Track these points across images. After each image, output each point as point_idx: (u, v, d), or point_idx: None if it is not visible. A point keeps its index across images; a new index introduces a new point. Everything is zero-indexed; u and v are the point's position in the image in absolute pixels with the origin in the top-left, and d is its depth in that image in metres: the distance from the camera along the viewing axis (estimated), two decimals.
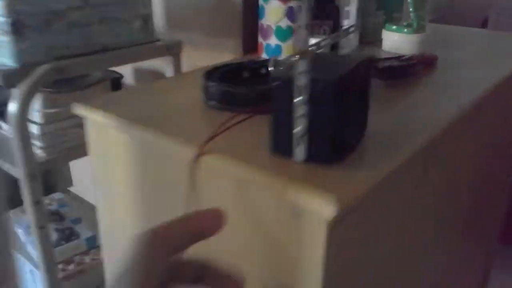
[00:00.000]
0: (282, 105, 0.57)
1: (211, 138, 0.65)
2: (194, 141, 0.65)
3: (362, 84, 0.68)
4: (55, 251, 1.33)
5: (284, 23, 1.22)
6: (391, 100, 0.87)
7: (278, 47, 1.24)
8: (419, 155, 0.71)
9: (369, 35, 1.37)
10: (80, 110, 0.80)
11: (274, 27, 1.22)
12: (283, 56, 1.18)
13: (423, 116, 0.78)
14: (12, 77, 0.99)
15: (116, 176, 0.81)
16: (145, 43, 1.25)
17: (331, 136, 0.58)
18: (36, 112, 1.15)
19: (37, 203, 1.09)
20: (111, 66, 1.20)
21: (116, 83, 1.36)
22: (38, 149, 1.15)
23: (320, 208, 0.51)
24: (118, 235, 0.88)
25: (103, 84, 1.28)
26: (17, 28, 0.98)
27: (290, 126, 0.57)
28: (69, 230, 1.43)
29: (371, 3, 1.36)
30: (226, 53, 1.34)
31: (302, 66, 0.55)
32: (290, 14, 1.22)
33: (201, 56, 1.38)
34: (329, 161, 0.59)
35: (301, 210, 0.55)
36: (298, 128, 0.57)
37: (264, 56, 1.26)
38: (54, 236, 1.41)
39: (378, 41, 1.34)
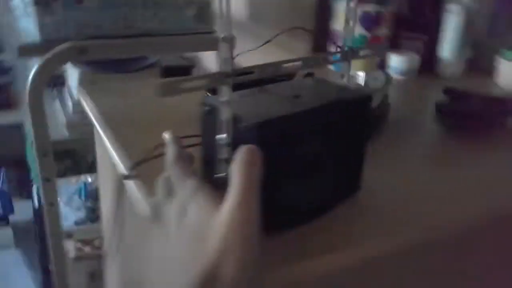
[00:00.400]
0: (208, 137, 0.44)
1: (140, 162, 0.55)
2: None
3: (342, 132, 0.46)
4: (74, 228, 1.28)
5: (356, 30, 0.97)
6: (439, 158, 0.60)
7: None
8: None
9: (480, 62, 1.04)
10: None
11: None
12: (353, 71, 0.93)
13: (465, 196, 0.51)
14: (28, 51, 0.93)
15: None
16: (197, 33, 1.10)
17: None
18: (73, 88, 1.09)
19: (47, 180, 1.03)
20: (148, 52, 1.08)
21: (178, 71, 1.25)
22: (64, 127, 1.09)
23: None
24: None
25: (151, 71, 1.17)
26: (39, 0, 0.91)
27: (214, 161, 0.42)
28: (99, 211, 1.37)
29: (483, 19, 1.02)
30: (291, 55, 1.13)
31: (225, 94, 0.39)
32: (366, 20, 0.96)
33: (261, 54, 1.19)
34: None
35: None
36: (221, 174, 0.41)
37: (331, 67, 1.03)
38: (81, 213, 1.37)
39: (492, 71, 1.01)
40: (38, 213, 1.54)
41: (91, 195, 1.37)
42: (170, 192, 0.40)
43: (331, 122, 0.46)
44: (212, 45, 1.11)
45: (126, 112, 0.75)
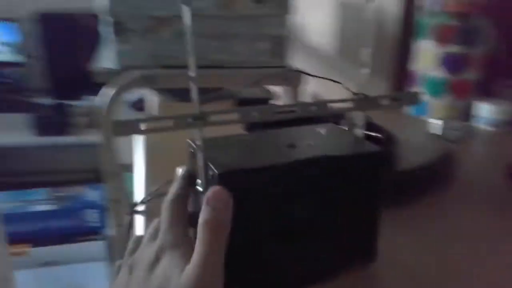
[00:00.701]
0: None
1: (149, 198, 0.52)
2: None
3: (342, 192, 0.41)
4: None
5: (438, 72, 0.86)
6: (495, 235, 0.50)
7: (425, 104, 0.89)
8: None
9: None
10: None
11: (424, 76, 0.88)
12: (430, 119, 0.84)
13: None
14: (105, 77, 0.97)
15: None
16: (269, 67, 1.08)
17: None
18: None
19: (116, 202, 1.07)
20: (218, 84, 1.08)
21: (254, 102, 1.23)
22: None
23: None
24: None
25: (224, 103, 1.17)
26: (119, 30, 0.95)
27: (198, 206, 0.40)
28: None
29: None
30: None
31: (197, 138, 0.39)
32: (449, 62, 0.85)
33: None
34: None
35: None
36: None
37: (408, 111, 0.94)
38: None
39: None
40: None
41: None
42: (155, 235, 0.38)
43: (323, 180, 0.40)
44: (282, 80, 1.08)
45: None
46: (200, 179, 0.38)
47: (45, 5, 2.42)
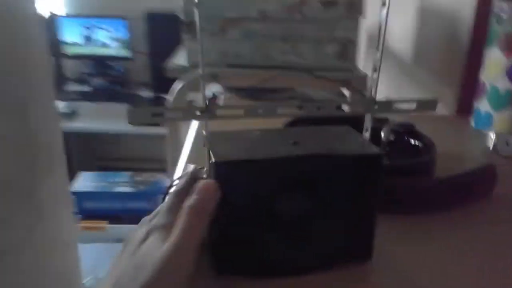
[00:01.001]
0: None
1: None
2: None
3: (336, 189, 0.42)
4: None
5: (503, 84, 0.80)
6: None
7: (488, 117, 0.83)
8: None
9: None
10: None
11: (489, 87, 0.82)
12: (490, 132, 0.78)
13: None
14: (175, 73, 1.05)
15: None
16: (336, 70, 1.08)
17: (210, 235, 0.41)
18: None
19: None
20: (281, 85, 1.10)
21: None
22: None
23: None
24: None
25: (287, 103, 1.19)
26: (190, 29, 1.02)
27: None
28: None
29: None
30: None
31: (204, 128, 0.42)
32: None
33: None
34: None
35: None
36: None
37: (471, 123, 0.89)
38: None
39: None
40: None
41: None
42: (153, 217, 0.42)
43: (316, 177, 0.41)
44: (347, 83, 1.07)
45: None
46: (206, 167, 0.41)
47: (153, 5, 2.62)
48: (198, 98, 0.44)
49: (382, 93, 0.45)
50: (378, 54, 0.44)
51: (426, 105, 0.46)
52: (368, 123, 0.46)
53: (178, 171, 0.66)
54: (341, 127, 0.51)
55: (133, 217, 1.89)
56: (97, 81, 2.89)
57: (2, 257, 0.75)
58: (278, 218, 0.41)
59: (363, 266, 0.45)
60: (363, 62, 1.55)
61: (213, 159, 0.40)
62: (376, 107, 0.45)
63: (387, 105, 0.46)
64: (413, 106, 0.46)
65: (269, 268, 0.43)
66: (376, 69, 0.43)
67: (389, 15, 0.42)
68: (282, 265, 0.44)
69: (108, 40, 2.81)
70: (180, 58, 1.11)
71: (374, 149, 0.43)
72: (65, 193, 0.93)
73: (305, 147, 0.43)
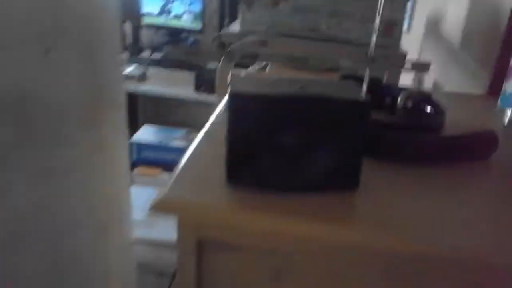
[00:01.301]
0: None
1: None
2: None
3: (327, 126, 0.52)
4: None
5: None
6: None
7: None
8: None
9: None
10: None
11: None
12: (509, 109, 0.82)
13: None
14: (227, 38, 1.16)
15: None
16: (380, 46, 1.14)
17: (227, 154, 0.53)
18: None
19: None
20: (324, 56, 1.18)
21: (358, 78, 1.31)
22: None
23: None
24: None
25: (330, 75, 1.27)
26: (247, 1, 1.12)
27: None
28: None
29: None
30: (467, 87, 1.05)
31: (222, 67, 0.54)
32: None
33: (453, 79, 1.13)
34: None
35: None
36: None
37: (498, 103, 0.93)
38: None
39: None
40: None
41: None
42: None
43: (312, 113, 0.50)
44: (388, 60, 1.13)
45: None
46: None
47: None
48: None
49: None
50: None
51: (419, 67, 0.54)
52: (366, 76, 0.55)
53: None
54: (347, 81, 0.60)
55: None
56: (168, 50, 3.08)
57: (68, 173, 0.91)
58: (279, 144, 0.51)
59: (352, 194, 0.53)
60: (420, 45, 1.58)
61: (229, 91, 0.51)
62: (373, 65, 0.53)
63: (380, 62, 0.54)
64: (409, 66, 0.54)
65: (268, 183, 0.53)
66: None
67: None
68: (280, 182, 0.53)
69: (182, 12, 2.98)
70: (235, 27, 1.22)
71: (362, 97, 0.52)
72: (123, 134, 1.08)
73: (308, 91, 0.53)
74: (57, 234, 0.97)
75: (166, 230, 1.60)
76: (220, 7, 2.86)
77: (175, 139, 2.19)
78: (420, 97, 0.77)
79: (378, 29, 1.14)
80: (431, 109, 0.74)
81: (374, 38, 1.07)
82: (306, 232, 0.50)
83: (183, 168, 0.59)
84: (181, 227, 0.54)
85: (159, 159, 2.13)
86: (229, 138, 0.51)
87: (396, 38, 1.14)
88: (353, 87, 0.56)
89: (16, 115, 0.84)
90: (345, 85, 0.58)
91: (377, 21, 1.07)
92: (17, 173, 0.88)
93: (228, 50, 1.12)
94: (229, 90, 0.51)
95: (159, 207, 0.52)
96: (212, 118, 0.73)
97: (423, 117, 0.74)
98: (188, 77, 2.72)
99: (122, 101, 1.03)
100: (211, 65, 2.96)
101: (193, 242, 0.54)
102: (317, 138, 0.52)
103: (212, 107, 2.57)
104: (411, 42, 1.53)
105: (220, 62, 1.14)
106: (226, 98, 0.51)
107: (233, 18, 2.78)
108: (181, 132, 2.27)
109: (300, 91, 0.52)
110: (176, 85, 2.73)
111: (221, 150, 0.53)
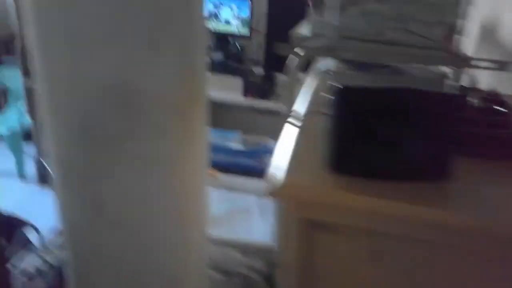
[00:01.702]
0: None
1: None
2: None
3: (425, 119, 0.58)
4: None
5: None
6: None
7: None
8: None
9: None
10: None
11: None
12: None
13: None
14: (298, 42, 1.25)
15: None
16: (440, 50, 1.20)
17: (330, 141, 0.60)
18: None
19: None
20: (389, 59, 1.25)
21: None
22: None
23: None
24: None
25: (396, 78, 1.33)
26: (317, 4, 1.21)
27: None
28: None
29: None
30: None
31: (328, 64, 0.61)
32: None
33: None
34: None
35: None
36: None
37: None
38: None
39: None
40: None
41: None
42: None
43: (412, 105, 0.58)
44: (449, 63, 1.19)
45: None
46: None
47: None
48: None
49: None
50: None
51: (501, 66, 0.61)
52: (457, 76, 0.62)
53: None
54: (437, 77, 0.67)
55: (241, 171, 2.19)
56: (217, 55, 3.20)
57: (164, 164, 1.01)
58: (381, 134, 0.59)
59: (444, 183, 0.60)
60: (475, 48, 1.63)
61: (337, 86, 0.59)
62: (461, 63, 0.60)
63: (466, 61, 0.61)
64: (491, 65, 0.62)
65: (368, 170, 0.61)
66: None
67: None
68: (380, 169, 0.61)
69: (231, 18, 3.10)
70: (303, 29, 1.31)
71: (452, 93, 0.60)
72: (206, 130, 1.17)
73: (407, 85, 0.60)
74: (147, 221, 1.06)
75: (230, 230, 1.68)
76: (269, 14, 2.96)
77: (230, 141, 2.27)
78: (493, 97, 0.83)
79: (441, 33, 1.20)
80: (503, 108, 0.81)
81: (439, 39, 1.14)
82: (404, 213, 0.57)
83: (286, 158, 0.67)
84: (286, 210, 0.61)
85: (217, 161, 2.20)
86: (335, 129, 0.59)
87: (457, 42, 1.20)
88: (443, 84, 0.64)
89: (127, 109, 0.95)
90: (436, 81, 0.66)
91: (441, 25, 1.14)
92: (123, 162, 0.99)
93: (299, 54, 1.20)
94: (335, 84, 0.59)
95: (277, 194, 0.60)
96: (298, 114, 0.81)
97: (497, 115, 0.80)
98: (236, 82, 2.82)
99: (206, 98, 1.12)
100: (258, 70, 3.07)
101: (298, 224, 0.62)
102: (414, 129, 0.59)
103: (259, 111, 2.67)
104: (465, 46, 1.58)
105: (291, 65, 1.23)
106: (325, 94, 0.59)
107: (283, 25, 2.86)
108: (235, 135, 2.35)
109: (401, 85, 0.60)
110: (224, 90, 2.84)
111: (315, 141, 0.61)
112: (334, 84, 0.60)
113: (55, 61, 0.94)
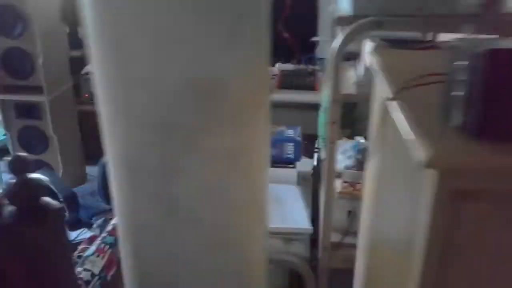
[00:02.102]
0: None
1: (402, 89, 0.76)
2: None
3: None
4: (344, 171, 1.56)
5: None
6: None
7: None
8: None
9: None
10: None
11: None
12: None
13: None
14: (343, 22, 1.24)
15: None
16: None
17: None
18: (367, 55, 1.37)
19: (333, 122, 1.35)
20: (431, 30, 1.27)
21: None
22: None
23: None
24: None
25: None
26: None
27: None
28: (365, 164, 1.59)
29: None
30: None
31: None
32: None
33: None
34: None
35: None
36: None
37: None
38: (351, 162, 1.66)
39: None
40: (316, 168, 1.98)
41: (361, 152, 1.63)
42: None
43: None
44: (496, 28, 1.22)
45: (403, 66, 0.96)
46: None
47: None
48: None
49: None
50: None
51: None
52: None
53: None
54: None
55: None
56: None
57: (238, 157, 0.98)
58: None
59: None
60: None
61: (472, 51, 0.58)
62: None
63: None
64: None
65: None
66: None
67: None
68: None
69: None
70: (344, 8, 1.30)
71: None
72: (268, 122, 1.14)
73: None
74: (220, 217, 1.03)
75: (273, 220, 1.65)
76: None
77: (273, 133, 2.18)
78: None
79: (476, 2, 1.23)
80: None
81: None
82: None
83: (411, 132, 0.66)
84: (437, 181, 0.60)
85: None
86: (478, 94, 0.58)
87: (498, 10, 1.23)
88: None
89: (206, 103, 0.91)
90: None
91: None
92: (201, 154, 0.96)
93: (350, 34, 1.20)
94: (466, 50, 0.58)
95: (430, 164, 0.58)
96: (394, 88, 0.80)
97: None
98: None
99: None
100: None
101: (446, 194, 0.61)
102: None
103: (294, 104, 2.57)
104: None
105: (337, 45, 1.22)
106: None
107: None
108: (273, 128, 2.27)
109: None
110: None
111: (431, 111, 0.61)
112: (464, 50, 0.59)
113: (131, 60, 0.90)
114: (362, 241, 1.24)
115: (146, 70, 0.88)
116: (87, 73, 2.96)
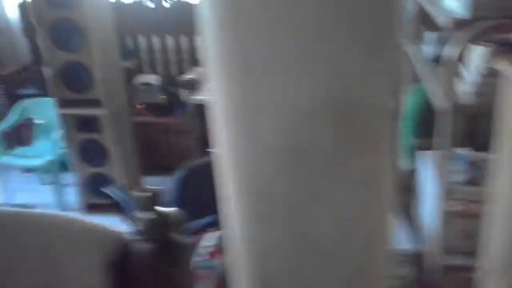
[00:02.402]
0: None
1: None
2: None
3: None
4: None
5: None
6: None
7: None
8: None
9: None
10: None
11: None
12: None
13: None
14: (459, 25, 1.16)
15: None
16: None
17: None
18: (476, 61, 1.28)
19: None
20: None
21: None
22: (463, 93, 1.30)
23: None
24: None
25: None
26: None
27: None
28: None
29: None
30: None
31: None
32: None
33: None
34: None
35: None
36: None
37: None
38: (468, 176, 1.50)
39: None
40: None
41: (474, 166, 1.49)
42: None
43: None
44: None
45: None
46: None
47: None
48: None
49: None
50: None
51: None
52: None
53: None
54: None
55: None
56: None
57: (375, 181, 0.91)
58: None
59: None
60: None
61: None
62: None
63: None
64: None
65: None
66: None
67: None
68: None
69: None
70: (452, 9, 1.21)
71: None
72: None
73: None
74: (355, 245, 0.96)
75: None
76: None
77: None
78: None
79: None
80: None
81: None
82: None
83: None
84: None
85: None
86: None
87: None
88: None
89: (344, 125, 0.84)
90: None
91: None
92: (337, 185, 0.89)
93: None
94: None
95: None
96: None
97: None
98: None
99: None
100: None
101: None
102: None
103: None
104: None
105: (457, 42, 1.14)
106: None
107: None
108: None
109: None
110: None
111: None
112: None
113: (257, 82, 0.83)
114: (493, 263, 1.16)
115: (273, 94, 0.82)
116: (140, 84, 2.94)
